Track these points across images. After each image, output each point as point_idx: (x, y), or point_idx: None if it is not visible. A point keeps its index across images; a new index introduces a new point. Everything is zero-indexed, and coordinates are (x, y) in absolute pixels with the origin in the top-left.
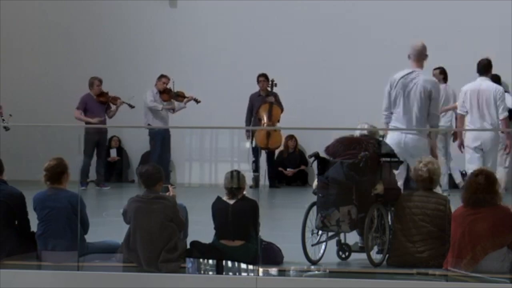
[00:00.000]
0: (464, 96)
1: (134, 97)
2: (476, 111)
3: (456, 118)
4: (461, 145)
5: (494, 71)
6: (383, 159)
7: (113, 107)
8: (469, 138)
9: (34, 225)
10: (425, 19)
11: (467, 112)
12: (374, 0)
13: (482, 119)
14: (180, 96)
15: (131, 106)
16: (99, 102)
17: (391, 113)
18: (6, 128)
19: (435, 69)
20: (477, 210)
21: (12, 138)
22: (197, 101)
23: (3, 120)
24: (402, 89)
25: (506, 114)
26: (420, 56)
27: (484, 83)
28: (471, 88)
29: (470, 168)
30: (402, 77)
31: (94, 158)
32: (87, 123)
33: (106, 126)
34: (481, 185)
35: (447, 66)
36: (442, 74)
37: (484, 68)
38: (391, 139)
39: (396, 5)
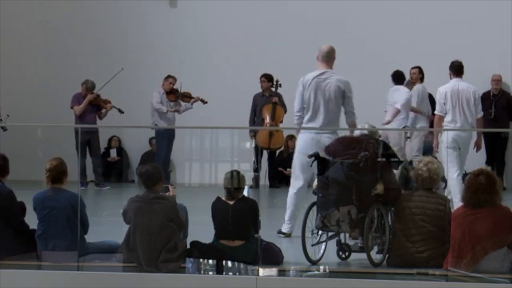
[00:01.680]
0: (445, 97)
1: (123, 69)
2: (457, 111)
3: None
4: (437, 146)
5: (495, 71)
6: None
7: (103, 110)
8: (449, 138)
9: (34, 225)
10: (425, 20)
11: (446, 113)
12: (376, 1)
13: (464, 118)
14: (186, 97)
15: (121, 112)
16: (89, 104)
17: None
18: (4, 128)
19: (413, 68)
20: (477, 210)
21: (12, 138)
22: (204, 102)
23: (1, 120)
24: (316, 89)
25: (482, 113)
26: (329, 58)
27: (461, 83)
28: (451, 88)
29: (451, 167)
30: (315, 77)
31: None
32: (83, 113)
33: (107, 126)
34: (482, 185)
35: (447, 66)
36: (420, 74)
37: (459, 69)
38: (305, 138)
39: (396, 6)
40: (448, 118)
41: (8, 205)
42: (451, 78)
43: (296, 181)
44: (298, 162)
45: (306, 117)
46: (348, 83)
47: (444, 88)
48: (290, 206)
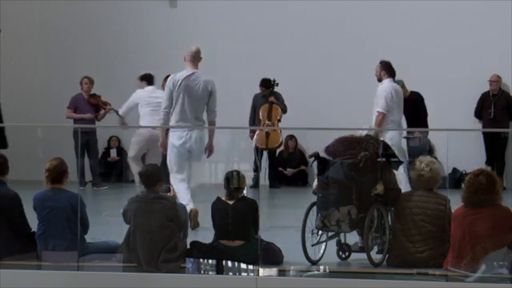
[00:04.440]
0: (391, 95)
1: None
2: (398, 110)
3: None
4: None
5: (495, 71)
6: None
7: (102, 111)
8: (398, 137)
9: (34, 225)
10: (425, 20)
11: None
12: (376, 1)
13: (400, 118)
14: None
15: (120, 116)
16: (89, 104)
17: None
18: None
19: None
20: (477, 210)
21: (12, 138)
22: None
23: None
24: (185, 89)
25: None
26: (195, 58)
27: (397, 84)
28: (394, 88)
29: None
30: (184, 78)
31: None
32: (78, 119)
33: (107, 126)
34: (482, 185)
35: (447, 66)
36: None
37: (393, 69)
38: (178, 133)
39: (396, 5)
40: (390, 117)
41: (13, 208)
42: (383, 78)
43: (179, 175)
44: (173, 156)
45: (175, 114)
46: (214, 83)
47: (390, 87)
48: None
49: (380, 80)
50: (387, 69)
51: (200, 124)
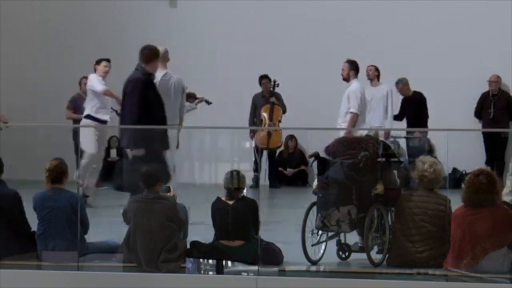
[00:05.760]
0: (364, 96)
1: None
2: (366, 111)
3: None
4: None
5: (495, 71)
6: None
7: None
8: None
9: (34, 225)
10: (425, 20)
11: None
12: (376, 1)
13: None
14: (191, 97)
15: (118, 114)
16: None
17: None
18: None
19: (369, 66)
20: (477, 210)
21: (12, 138)
22: (208, 102)
23: None
24: (163, 90)
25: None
26: (165, 59)
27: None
28: (363, 89)
29: None
30: (160, 80)
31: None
32: (78, 120)
33: (106, 126)
34: (483, 185)
35: (447, 66)
36: (376, 72)
37: (359, 69)
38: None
39: (396, 5)
40: (361, 117)
41: (13, 208)
42: (350, 78)
43: None
44: None
45: None
46: (183, 80)
47: (360, 88)
48: None
49: (347, 79)
50: (355, 68)
51: (176, 123)
